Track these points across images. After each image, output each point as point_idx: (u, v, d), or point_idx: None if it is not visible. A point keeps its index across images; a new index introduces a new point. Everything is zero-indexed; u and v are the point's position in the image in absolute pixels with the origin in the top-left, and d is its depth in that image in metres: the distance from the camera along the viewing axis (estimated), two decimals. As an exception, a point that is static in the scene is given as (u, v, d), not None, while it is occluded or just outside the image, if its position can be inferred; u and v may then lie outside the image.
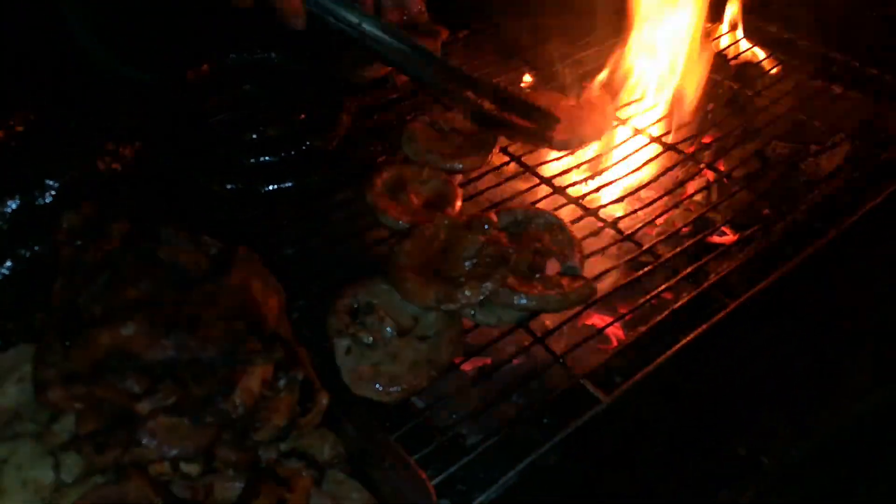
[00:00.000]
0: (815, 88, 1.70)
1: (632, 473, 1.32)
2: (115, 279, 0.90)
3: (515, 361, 1.10)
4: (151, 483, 0.84)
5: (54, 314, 0.95)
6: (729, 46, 1.82)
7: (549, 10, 1.85)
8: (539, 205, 1.34)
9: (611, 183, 1.44)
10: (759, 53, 1.82)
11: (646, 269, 1.24)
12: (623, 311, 1.18)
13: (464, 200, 1.32)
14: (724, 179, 1.54)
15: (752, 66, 1.78)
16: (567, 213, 1.33)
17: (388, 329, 1.05)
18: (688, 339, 1.12)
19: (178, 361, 0.83)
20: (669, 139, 1.59)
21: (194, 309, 0.86)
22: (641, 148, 1.55)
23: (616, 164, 1.52)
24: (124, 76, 1.58)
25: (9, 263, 0.99)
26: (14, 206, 0.96)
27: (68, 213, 1.05)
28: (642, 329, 1.13)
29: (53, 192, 0.99)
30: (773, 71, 1.77)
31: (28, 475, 0.88)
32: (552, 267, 1.17)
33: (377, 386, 0.97)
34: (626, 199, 1.40)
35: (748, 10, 1.85)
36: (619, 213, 1.37)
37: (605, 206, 1.38)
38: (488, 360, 1.14)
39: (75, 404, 0.85)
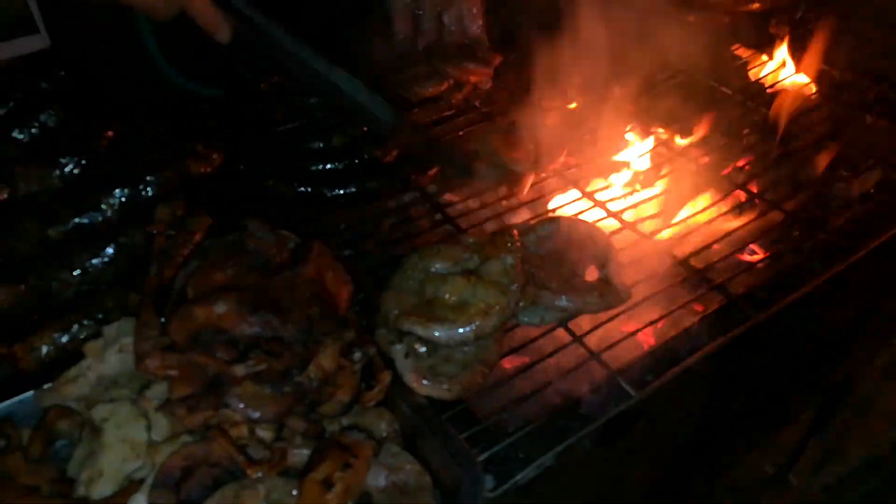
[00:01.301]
0: (849, 117, 1.78)
1: (655, 468, 1.41)
2: (207, 264, 1.02)
3: (554, 360, 1.20)
4: (233, 444, 0.96)
5: (149, 294, 1.08)
6: (767, 75, 1.90)
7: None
8: (580, 216, 1.45)
9: (648, 200, 1.54)
10: (796, 81, 1.91)
11: (678, 280, 1.33)
12: (654, 318, 1.27)
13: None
14: (756, 200, 1.62)
15: (789, 94, 1.86)
16: (605, 224, 1.43)
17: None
18: (714, 344, 1.21)
19: (262, 338, 0.94)
20: (705, 161, 1.68)
21: (276, 293, 0.98)
22: (680, 168, 1.65)
23: (654, 180, 1.62)
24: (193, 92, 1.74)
25: (110, 250, 1.12)
26: (121, 199, 1.09)
27: (162, 206, 1.19)
28: (673, 333, 1.22)
29: (151, 188, 1.12)
30: (810, 98, 1.85)
31: (125, 434, 1.01)
32: (591, 273, 1.27)
33: (437, 386, 1.07)
34: (662, 216, 1.49)
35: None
36: (655, 229, 1.46)
37: (642, 220, 1.47)
38: (526, 359, 1.23)
39: (170, 372, 0.97)
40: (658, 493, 1.49)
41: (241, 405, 0.90)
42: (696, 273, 1.35)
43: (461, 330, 1.09)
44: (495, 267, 1.14)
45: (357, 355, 0.95)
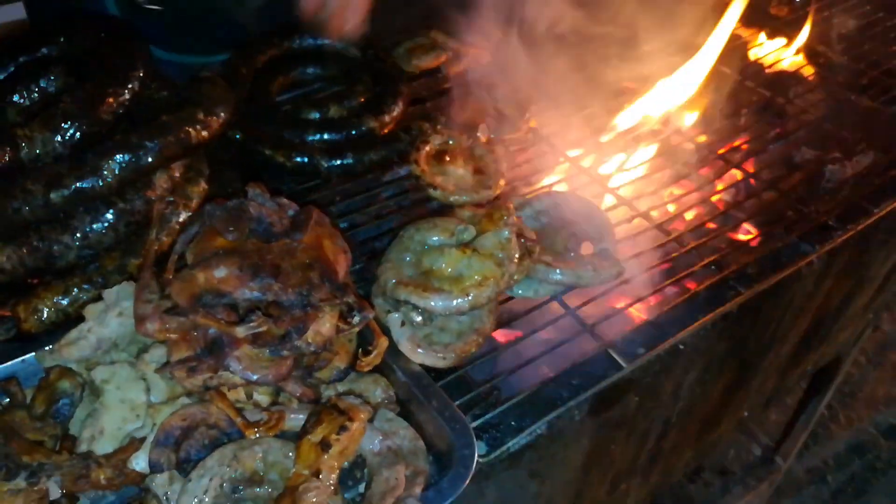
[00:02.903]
0: (844, 100, 1.79)
1: (643, 441, 1.44)
2: (207, 230, 1.04)
3: (548, 332, 1.22)
4: (231, 405, 0.99)
5: (149, 258, 1.09)
6: (765, 56, 1.91)
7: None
8: (577, 191, 1.46)
9: (646, 177, 1.56)
10: (793, 63, 1.91)
11: (671, 256, 1.35)
12: (647, 293, 1.29)
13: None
14: (751, 180, 1.64)
15: (786, 75, 1.87)
16: (601, 200, 1.45)
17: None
18: (704, 319, 1.24)
19: (262, 302, 0.96)
20: (702, 140, 1.69)
21: (275, 259, 0.99)
22: (677, 146, 1.66)
23: (653, 159, 1.63)
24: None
25: (110, 215, 1.14)
26: (121, 164, 1.10)
27: (161, 173, 1.20)
28: (666, 309, 1.24)
29: (151, 154, 1.13)
30: (806, 81, 1.86)
31: (125, 395, 1.02)
32: (586, 247, 1.29)
33: (432, 354, 1.09)
34: (658, 193, 1.51)
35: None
36: (651, 205, 1.48)
37: (638, 197, 1.49)
38: (520, 332, 1.25)
39: (169, 334, 0.99)
40: (645, 467, 1.52)
41: (241, 367, 0.92)
42: (689, 250, 1.37)
43: (457, 301, 1.11)
44: (491, 240, 1.16)
45: (356, 318, 0.97)
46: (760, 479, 2.65)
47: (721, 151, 1.71)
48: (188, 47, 1.79)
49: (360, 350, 1.04)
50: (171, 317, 0.98)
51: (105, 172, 1.10)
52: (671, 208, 1.49)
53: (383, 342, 1.02)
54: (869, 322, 2.06)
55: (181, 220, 1.22)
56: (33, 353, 1.06)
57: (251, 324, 0.90)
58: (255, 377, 0.93)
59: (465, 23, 1.74)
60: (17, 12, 3.16)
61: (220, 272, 0.96)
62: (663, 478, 1.64)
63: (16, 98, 1.22)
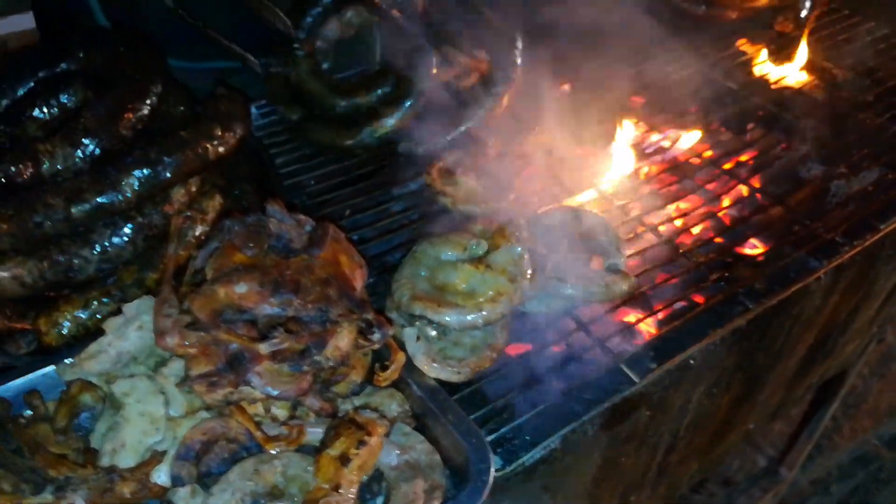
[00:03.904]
0: (850, 115, 1.81)
1: (653, 454, 1.46)
2: (227, 245, 1.05)
3: (560, 346, 1.23)
4: (251, 420, 1.00)
5: (168, 273, 1.10)
6: (771, 71, 1.93)
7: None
8: (586, 206, 1.48)
9: (654, 192, 1.57)
10: (799, 79, 1.94)
11: (680, 271, 1.37)
12: (657, 308, 1.31)
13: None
14: (758, 195, 1.66)
15: (791, 91, 1.89)
16: (610, 215, 1.46)
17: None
18: (714, 335, 1.25)
19: (281, 317, 0.97)
20: (709, 155, 1.71)
21: (294, 275, 1.01)
22: (684, 161, 1.68)
23: (659, 174, 1.65)
24: None
25: (128, 229, 1.15)
26: (140, 180, 1.11)
27: (178, 188, 1.21)
28: (676, 324, 1.25)
29: (169, 170, 1.14)
30: (811, 97, 1.88)
31: (145, 408, 1.03)
32: (597, 262, 1.31)
33: (448, 368, 1.10)
34: (665, 208, 1.52)
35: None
36: (659, 220, 1.49)
37: (647, 213, 1.50)
38: (532, 348, 1.27)
39: (188, 349, 1.00)
40: (654, 480, 1.53)
41: (262, 383, 0.93)
42: (698, 265, 1.39)
43: (471, 316, 1.12)
44: (504, 256, 1.17)
45: (377, 335, 0.98)
46: (765, 489, 2.66)
47: (727, 166, 1.73)
48: (192, 54, 1.80)
49: (378, 365, 1.05)
50: (192, 332, 0.99)
51: (125, 187, 1.12)
52: (679, 223, 1.50)
53: (401, 357, 1.04)
54: (874, 335, 2.07)
55: (198, 234, 1.24)
56: (54, 367, 1.08)
57: (274, 340, 0.91)
58: (276, 392, 0.94)
59: (473, 37, 1.76)
60: (26, 22, 3.19)
61: (241, 288, 0.98)
62: (670, 490, 1.66)
63: (36, 113, 1.23)
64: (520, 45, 1.66)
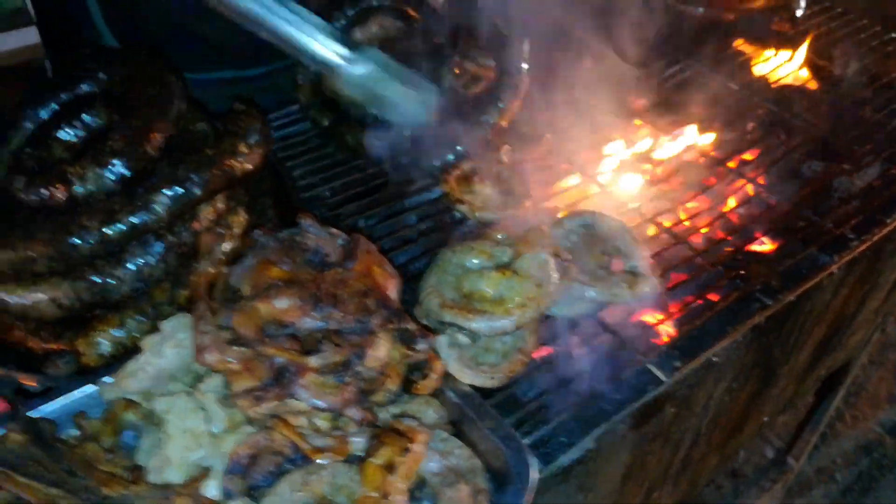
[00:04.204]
0: (849, 112, 1.85)
1: (676, 451, 1.49)
2: (262, 260, 1.07)
3: (586, 349, 1.26)
4: (296, 432, 1.01)
5: (202, 290, 1.12)
6: (772, 71, 1.97)
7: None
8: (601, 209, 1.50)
9: (664, 193, 1.60)
10: (797, 77, 1.98)
11: (698, 271, 1.40)
12: (677, 307, 1.34)
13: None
14: (763, 193, 1.70)
15: (791, 90, 1.93)
16: (625, 217, 1.49)
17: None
18: (735, 332, 1.28)
19: (323, 330, 0.99)
20: (713, 153, 1.75)
21: (331, 287, 1.03)
22: (689, 161, 1.72)
23: (668, 174, 1.68)
24: None
25: (160, 247, 1.17)
26: (171, 199, 1.13)
27: (206, 205, 1.23)
28: (697, 323, 1.29)
29: (199, 188, 1.16)
30: (811, 94, 1.93)
31: (186, 424, 1.05)
32: (618, 265, 1.33)
33: (481, 374, 1.12)
34: (676, 208, 1.56)
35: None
36: (672, 221, 1.52)
37: (659, 213, 1.53)
38: (561, 348, 1.29)
39: (230, 365, 1.02)
40: (676, 475, 1.56)
41: (308, 395, 0.95)
42: (712, 264, 1.42)
43: (501, 322, 1.14)
44: (529, 262, 1.20)
45: (421, 345, 1.00)
46: (773, 480, 2.71)
47: (731, 165, 1.76)
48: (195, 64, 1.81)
49: (418, 374, 1.07)
50: (232, 347, 1.01)
51: (157, 207, 1.13)
52: (688, 223, 1.53)
53: (439, 366, 1.06)
54: (878, 326, 2.12)
55: (226, 249, 1.25)
56: (94, 386, 1.09)
57: (324, 353, 0.93)
58: (322, 404, 0.96)
59: (480, 45, 1.79)
60: (30, 37, 3.19)
61: (282, 303, 1.00)
62: (691, 486, 1.69)
63: (60, 135, 1.24)
64: (527, 52, 1.68)
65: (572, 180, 1.62)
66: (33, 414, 1.05)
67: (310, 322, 0.99)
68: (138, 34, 1.79)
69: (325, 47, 1.41)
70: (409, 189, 1.57)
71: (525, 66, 1.70)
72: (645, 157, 1.73)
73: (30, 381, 1.15)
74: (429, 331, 1.03)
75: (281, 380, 0.97)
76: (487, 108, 1.65)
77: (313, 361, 0.93)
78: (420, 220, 1.54)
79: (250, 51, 1.82)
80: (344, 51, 1.43)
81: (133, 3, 1.73)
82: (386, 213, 1.54)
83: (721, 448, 1.72)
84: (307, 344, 1.01)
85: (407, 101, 1.51)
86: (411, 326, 1.01)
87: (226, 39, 1.76)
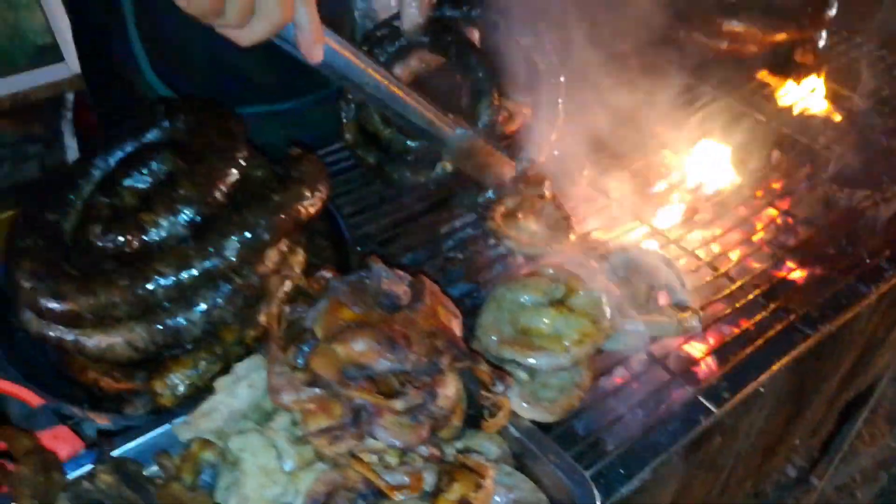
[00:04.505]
0: (873, 141, 1.91)
1: (718, 476, 1.53)
2: (334, 303, 1.12)
3: (638, 382, 1.31)
4: (372, 469, 1.06)
5: (274, 331, 1.16)
6: (795, 102, 2.03)
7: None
8: (640, 242, 1.56)
9: (700, 225, 1.66)
10: (820, 107, 2.04)
11: (737, 303, 1.44)
12: (722, 339, 1.38)
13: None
14: (790, 220, 1.75)
15: (815, 119, 1.99)
16: (665, 250, 1.55)
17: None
18: (780, 362, 1.33)
19: (399, 372, 1.04)
20: (740, 182, 1.80)
21: (403, 329, 1.07)
22: (721, 191, 1.77)
23: (700, 204, 1.74)
24: None
25: (228, 290, 1.21)
26: (240, 244, 1.18)
27: (271, 249, 1.28)
28: (743, 354, 1.33)
29: (266, 232, 1.21)
30: (834, 124, 1.98)
31: (261, 462, 1.09)
32: (663, 298, 1.38)
33: (541, 409, 1.17)
34: (717, 240, 1.61)
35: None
36: (711, 254, 1.57)
37: (701, 246, 1.58)
38: (616, 381, 1.33)
39: (306, 405, 1.06)
40: (715, 500, 1.60)
41: (387, 435, 0.99)
42: (753, 295, 1.46)
43: (560, 358, 1.19)
44: (585, 300, 1.24)
45: (499, 388, 1.05)
46: (796, 499, 2.74)
47: (759, 193, 1.81)
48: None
49: (486, 412, 1.11)
50: (307, 388, 1.05)
51: (228, 252, 1.18)
52: (721, 251, 1.58)
53: (506, 403, 1.10)
54: (901, 347, 2.16)
55: (287, 290, 1.30)
56: (170, 426, 1.13)
57: (407, 397, 0.98)
58: (399, 443, 1.00)
59: (516, 81, 1.84)
60: (59, 73, 3.25)
61: (359, 346, 1.04)
62: (728, 509, 1.73)
63: (128, 182, 1.29)
64: (563, 88, 1.73)
65: (611, 213, 1.66)
66: (113, 454, 1.10)
67: (385, 364, 1.03)
68: (177, 71, 1.84)
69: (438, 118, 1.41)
70: (452, 223, 1.62)
71: (561, 101, 1.76)
72: (676, 187, 1.78)
73: (103, 420, 1.20)
74: (505, 373, 1.07)
75: (359, 420, 1.01)
76: (525, 144, 1.71)
77: (398, 405, 0.97)
78: (463, 253, 1.59)
79: (282, 86, 1.88)
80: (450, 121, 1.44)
81: (173, 42, 1.79)
82: (431, 248, 1.59)
83: (757, 471, 1.76)
84: (381, 385, 1.05)
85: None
86: (486, 368, 1.05)
87: (260, 75, 1.82)
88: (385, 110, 1.35)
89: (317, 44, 1.10)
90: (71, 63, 3.37)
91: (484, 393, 1.04)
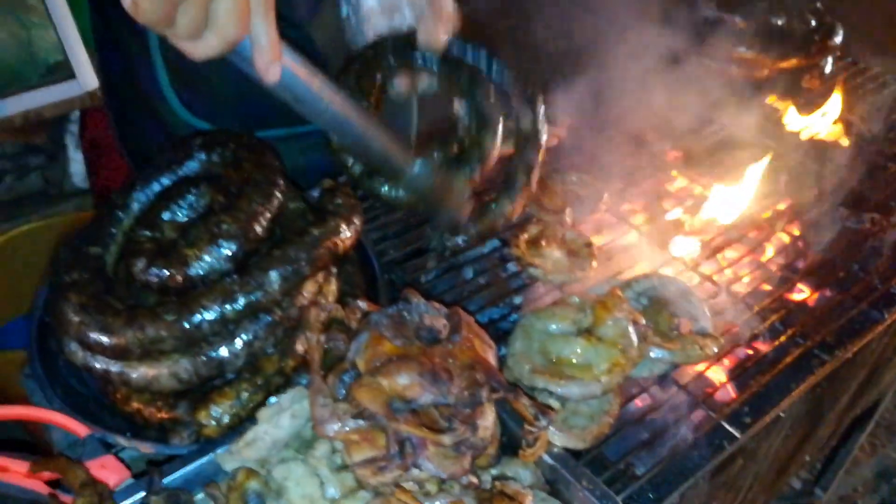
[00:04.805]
0: (879, 167, 1.97)
1: (737, 496, 1.57)
2: (375, 336, 1.16)
3: (665, 408, 1.35)
4: (415, 499, 1.10)
5: (316, 363, 1.20)
6: (802, 128, 2.08)
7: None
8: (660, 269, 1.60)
9: (718, 251, 1.70)
10: (827, 132, 2.09)
11: (756, 329, 1.49)
12: (742, 365, 1.43)
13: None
14: (800, 244, 1.80)
15: (821, 144, 2.05)
16: (684, 277, 1.59)
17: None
18: (799, 388, 1.38)
19: (441, 405, 1.08)
20: (751, 205, 1.85)
21: (443, 362, 1.11)
22: (731, 215, 1.82)
23: (709, 228, 1.79)
24: None
25: (270, 323, 1.25)
26: (281, 277, 1.22)
27: (309, 282, 1.32)
28: (763, 380, 1.38)
29: (308, 266, 1.25)
30: (841, 149, 2.04)
31: (305, 491, 1.13)
32: (685, 325, 1.43)
33: (573, 437, 1.21)
34: (734, 266, 1.66)
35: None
36: (728, 279, 1.62)
37: (717, 272, 1.63)
38: (641, 407, 1.37)
39: (350, 436, 1.10)
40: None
41: (432, 466, 1.03)
42: (770, 321, 1.51)
43: (591, 387, 1.23)
44: (613, 329, 1.29)
45: (543, 422, 1.09)
46: (801, 511, 2.79)
47: (766, 215, 1.87)
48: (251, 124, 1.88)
49: (524, 441, 1.15)
50: (353, 420, 1.09)
51: (270, 287, 1.22)
52: (748, 280, 1.63)
53: (545, 435, 1.14)
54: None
55: (322, 319, 1.34)
56: (214, 455, 1.17)
57: (455, 433, 1.02)
58: (444, 474, 1.04)
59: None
60: (71, 90, 3.27)
61: (404, 379, 1.08)
62: (743, 526, 1.77)
63: (166, 216, 1.33)
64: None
65: (629, 239, 1.71)
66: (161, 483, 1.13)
67: (429, 397, 1.07)
68: (200, 96, 1.88)
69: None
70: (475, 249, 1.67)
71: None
72: (690, 212, 1.83)
73: (148, 449, 1.23)
74: (546, 407, 1.12)
75: (404, 451, 1.05)
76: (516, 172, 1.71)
77: (447, 440, 1.01)
78: (477, 274, 1.63)
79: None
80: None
81: (197, 67, 1.82)
82: (453, 274, 1.63)
83: (770, 487, 1.80)
84: (423, 417, 1.09)
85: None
86: (527, 402, 1.09)
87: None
88: (342, 139, 1.31)
89: (273, 63, 1.03)
90: (82, 81, 3.39)
91: (528, 427, 1.08)
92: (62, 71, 3.29)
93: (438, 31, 1.49)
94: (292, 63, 1.09)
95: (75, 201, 3.94)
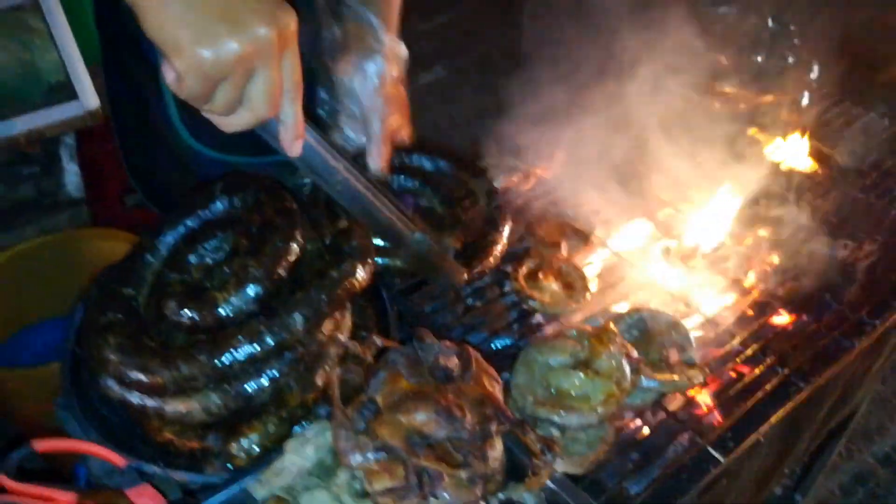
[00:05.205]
0: (854, 198, 2.10)
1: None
2: (392, 374, 1.26)
3: (655, 434, 1.47)
4: (431, 523, 1.21)
5: (337, 397, 1.30)
6: (780, 160, 2.21)
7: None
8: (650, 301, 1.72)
9: (698, 281, 1.83)
10: (805, 164, 2.22)
11: (737, 357, 1.61)
12: (726, 392, 1.55)
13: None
14: (778, 272, 1.92)
15: (798, 175, 2.17)
16: (671, 308, 1.71)
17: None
18: (779, 413, 1.50)
19: (453, 439, 1.19)
20: (731, 235, 1.98)
21: (456, 399, 1.22)
22: (711, 244, 1.95)
23: (691, 254, 1.91)
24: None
25: (292, 359, 1.35)
26: (307, 315, 1.32)
27: (328, 320, 1.42)
28: (744, 406, 1.50)
29: (328, 306, 1.35)
30: (817, 180, 2.17)
31: (330, 517, 1.24)
32: (674, 356, 1.54)
33: (572, 463, 1.33)
34: (717, 296, 1.78)
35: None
36: (712, 310, 1.74)
37: (702, 304, 1.75)
38: (633, 434, 1.48)
39: (372, 466, 1.21)
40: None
41: (449, 497, 1.14)
42: (752, 350, 1.63)
43: (589, 417, 1.35)
44: (607, 364, 1.40)
45: (549, 457, 1.20)
46: (781, 516, 2.93)
47: (749, 242, 1.99)
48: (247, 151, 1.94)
49: (530, 471, 1.26)
50: (375, 453, 1.20)
51: (294, 327, 1.32)
52: (730, 310, 1.76)
53: (549, 465, 1.26)
54: (880, 380, 2.36)
55: (340, 353, 1.44)
56: (246, 485, 1.27)
57: (470, 468, 1.13)
58: (460, 503, 1.15)
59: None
60: (73, 110, 3.34)
61: (421, 416, 1.19)
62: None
63: (194, 259, 1.43)
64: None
65: (621, 270, 1.83)
66: (196, 511, 1.23)
67: (443, 432, 1.18)
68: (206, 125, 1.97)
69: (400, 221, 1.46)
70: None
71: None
72: (676, 241, 1.95)
73: (182, 479, 1.33)
74: (550, 441, 1.23)
75: (422, 481, 1.16)
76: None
77: (464, 475, 1.12)
78: (473, 306, 1.74)
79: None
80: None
81: None
82: (454, 303, 1.74)
83: (752, 500, 1.93)
84: (438, 449, 1.20)
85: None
86: (533, 438, 1.21)
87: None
88: (350, 207, 1.41)
89: (297, 140, 1.14)
90: (84, 100, 3.46)
91: (535, 461, 1.19)
92: (65, 91, 3.35)
93: (376, 159, 1.58)
94: (312, 140, 1.22)
95: (70, 211, 3.98)
